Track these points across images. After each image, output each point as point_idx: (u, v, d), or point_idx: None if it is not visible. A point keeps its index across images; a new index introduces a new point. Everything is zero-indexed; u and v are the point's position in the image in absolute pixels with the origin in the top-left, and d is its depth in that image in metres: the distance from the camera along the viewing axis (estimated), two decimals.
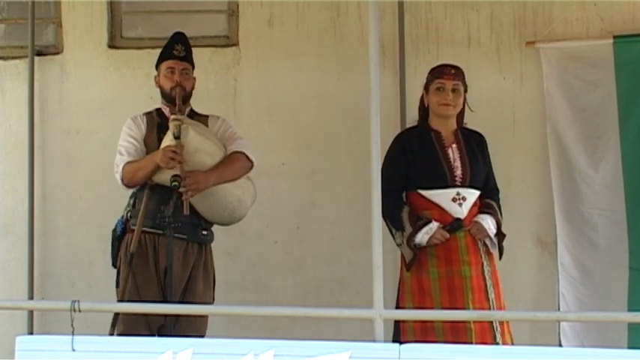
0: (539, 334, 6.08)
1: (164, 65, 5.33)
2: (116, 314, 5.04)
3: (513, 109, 6.40)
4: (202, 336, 5.09)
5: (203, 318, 5.18)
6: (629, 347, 5.84)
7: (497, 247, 5.28)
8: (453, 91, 5.27)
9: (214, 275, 5.35)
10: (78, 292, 5.97)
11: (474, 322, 5.03)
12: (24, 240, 6.44)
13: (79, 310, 4.35)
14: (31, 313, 6.34)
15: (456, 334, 5.03)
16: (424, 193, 5.23)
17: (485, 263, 5.21)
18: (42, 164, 6.54)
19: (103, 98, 6.52)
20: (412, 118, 6.33)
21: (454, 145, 5.29)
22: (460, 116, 5.37)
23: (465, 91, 5.33)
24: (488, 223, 5.22)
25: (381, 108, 4.27)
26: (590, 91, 6.19)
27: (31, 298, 6.35)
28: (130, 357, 4.20)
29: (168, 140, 5.09)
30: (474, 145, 5.33)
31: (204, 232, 5.26)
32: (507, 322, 5.21)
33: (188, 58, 5.36)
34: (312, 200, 6.47)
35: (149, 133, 5.28)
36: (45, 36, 6.71)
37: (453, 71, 5.30)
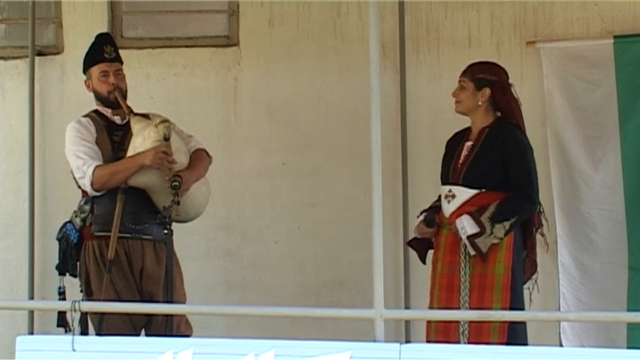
0: (540, 332, 6.07)
1: (96, 69, 5.31)
2: (100, 321, 5.03)
3: None
4: (190, 335, 5.13)
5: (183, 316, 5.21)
6: (629, 347, 5.84)
7: (473, 248, 5.11)
8: (461, 88, 5.29)
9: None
10: (78, 292, 5.95)
11: (438, 321, 5.12)
12: (24, 240, 6.44)
13: (80, 310, 4.35)
14: (31, 313, 6.34)
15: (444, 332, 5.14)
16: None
17: (462, 264, 5.18)
18: (42, 164, 6.54)
19: None
20: (412, 117, 6.37)
21: (468, 143, 5.30)
22: (495, 111, 5.30)
23: (485, 86, 5.24)
24: (463, 223, 5.14)
25: (382, 108, 4.27)
26: (591, 91, 6.18)
27: (31, 298, 6.35)
28: (130, 357, 4.20)
29: (150, 142, 5.07)
30: (492, 143, 5.23)
31: (165, 231, 5.20)
32: (504, 323, 5.07)
33: (118, 58, 5.34)
34: (312, 200, 6.47)
35: (99, 135, 5.25)
36: (45, 36, 6.71)
37: (464, 69, 5.33)
